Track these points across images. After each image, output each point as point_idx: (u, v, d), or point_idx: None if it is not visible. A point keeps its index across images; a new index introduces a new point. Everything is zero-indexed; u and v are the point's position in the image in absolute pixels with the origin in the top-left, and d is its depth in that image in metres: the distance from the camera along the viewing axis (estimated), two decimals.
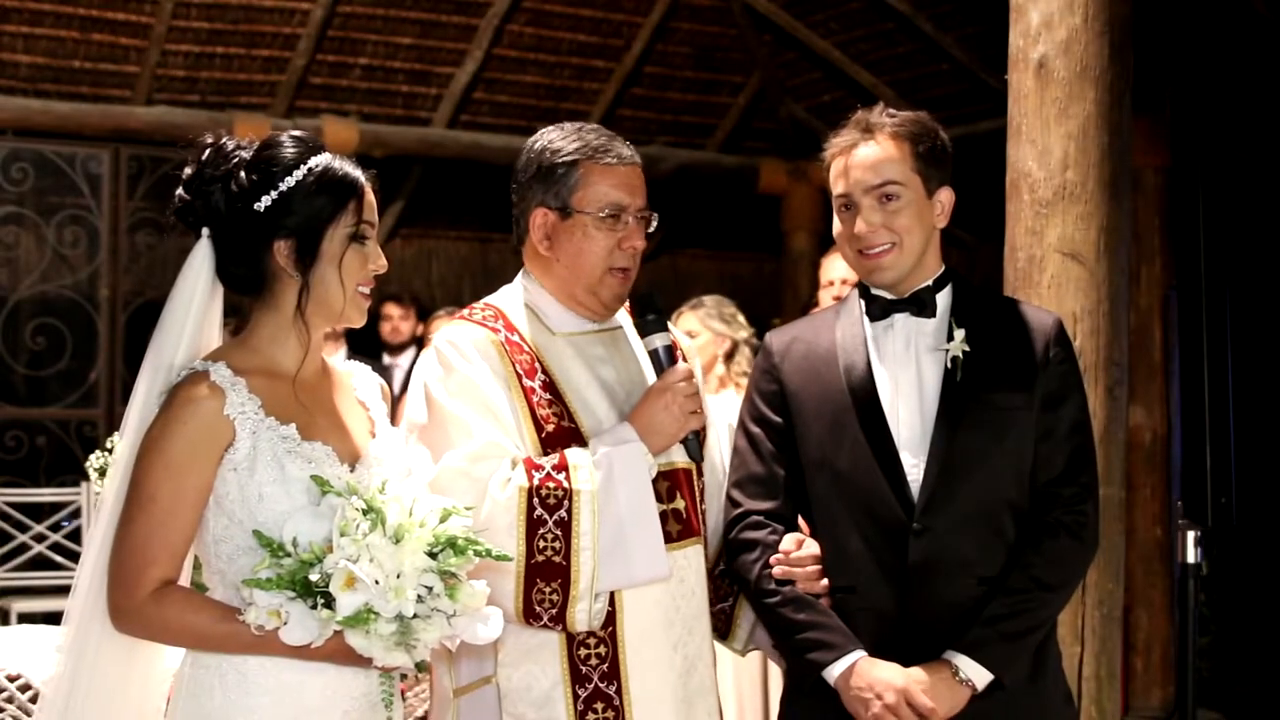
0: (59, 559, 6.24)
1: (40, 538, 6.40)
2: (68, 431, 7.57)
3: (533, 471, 2.50)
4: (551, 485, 2.49)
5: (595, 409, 2.64)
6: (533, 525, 2.46)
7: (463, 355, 2.58)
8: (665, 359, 2.67)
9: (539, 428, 2.58)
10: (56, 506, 6.55)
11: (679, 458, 2.68)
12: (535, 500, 2.46)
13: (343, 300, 2.31)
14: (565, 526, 2.47)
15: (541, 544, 2.47)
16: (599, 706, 2.56)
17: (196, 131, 2.39)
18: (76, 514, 6.38)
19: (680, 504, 2.65)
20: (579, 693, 2.56)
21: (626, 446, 2.55)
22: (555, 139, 2.69)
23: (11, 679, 3.35)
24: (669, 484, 2.65)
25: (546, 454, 2.55)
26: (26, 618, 6.06)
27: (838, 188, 2.66)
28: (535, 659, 2.57)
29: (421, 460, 2.51)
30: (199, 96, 7.98)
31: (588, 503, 2.49)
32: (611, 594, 2.56)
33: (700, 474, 2.76)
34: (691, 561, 2.68)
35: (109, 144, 7.65)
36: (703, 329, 5.18)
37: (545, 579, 2.47)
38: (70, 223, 7.67)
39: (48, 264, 7.73)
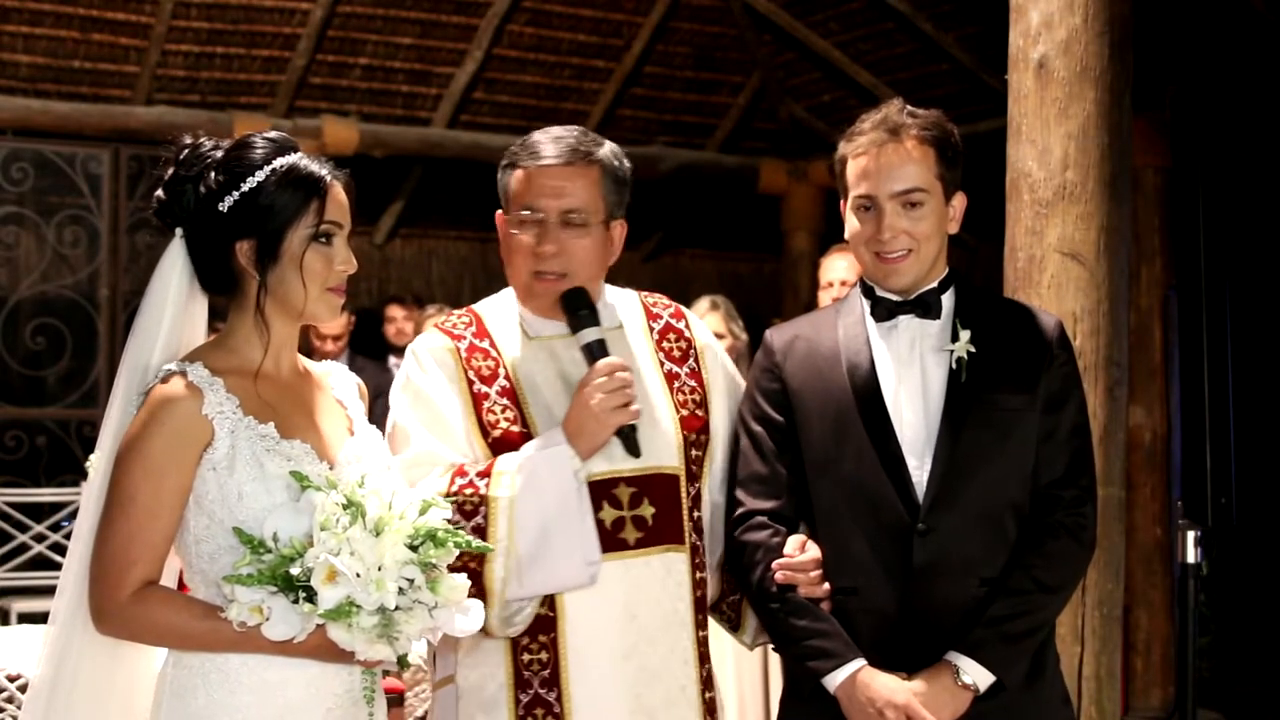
0: (59, 559, 6.23)
1: (40, 538, 6.41)
2: (68, 431, 7.57)
3: (456, 478, 2.49)
4: (469, 492, 2.47)
5: (556, 413, 2.59)
6: None
7: (420, 365, 2.61)
8: (597, 354, 2.58)
9: (485, 432, 2.57)
10: (56, 506, 6.55)
11: (659, 461, 2.62)
12: (452, 507, 2.41)
13: (304, 300, 2.28)
14: (482, 533, 2.45)
15: None
16: (539, 712, 2.53)
17: (195, 132, 2.39)
18: (76, 514, 6.37)
19: (647, 510, 2.58)
20: (520, 698, 2.54)
21: (552, 450, 2.50)
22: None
23: (11, 679, 3.35)
24: (636, 490, 2.59)
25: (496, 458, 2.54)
26: (26, 618, 6.05)
27: (859, 188, 2.61)
28: (486, 661, 2.57)
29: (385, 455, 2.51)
30: (199, 96, 7.98)
31: (504, 509, 2.46)
32: (553, 599, 2.53)
33: (695, 479, 2.68)
34: (656, 570, 2.60)
35: (109, 144, 7.65)
36: (726, 331, 5.17)
37: None
38: (70, 223, 7.66)
39: (48, 264, 7.73)
